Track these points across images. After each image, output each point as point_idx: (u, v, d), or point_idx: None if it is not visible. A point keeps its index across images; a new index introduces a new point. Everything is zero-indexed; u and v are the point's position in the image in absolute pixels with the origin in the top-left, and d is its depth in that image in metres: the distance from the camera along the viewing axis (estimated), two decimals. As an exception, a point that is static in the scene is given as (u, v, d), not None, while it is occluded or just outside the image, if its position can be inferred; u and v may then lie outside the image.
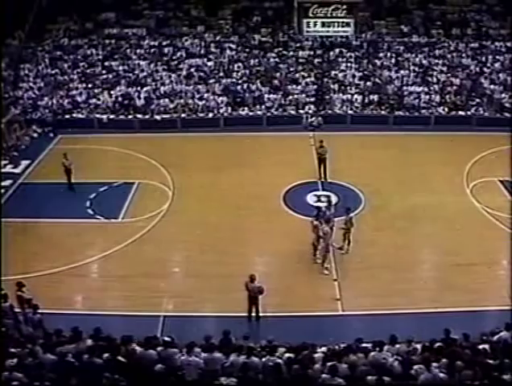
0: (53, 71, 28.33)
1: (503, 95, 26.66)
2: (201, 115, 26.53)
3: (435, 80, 27.91)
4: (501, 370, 9.34)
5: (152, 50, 29.55)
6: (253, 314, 13.91)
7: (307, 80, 28.04)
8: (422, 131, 25.15)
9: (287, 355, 10.25)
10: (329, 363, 9.68)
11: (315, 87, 27.76)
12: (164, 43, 29.90)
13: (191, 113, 26.58)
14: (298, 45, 29.77)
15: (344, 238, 16.33)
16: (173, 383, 9.60)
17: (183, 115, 26.44)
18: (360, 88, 27.67)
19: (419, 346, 10.63)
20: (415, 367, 9.60)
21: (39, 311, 12.30)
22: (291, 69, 28.59)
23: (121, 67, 28.67)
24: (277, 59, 29.03)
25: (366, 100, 27.06)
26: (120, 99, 26.99)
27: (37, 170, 22.24)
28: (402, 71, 28.27)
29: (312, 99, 27.25)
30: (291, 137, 24.89)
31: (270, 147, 23.76)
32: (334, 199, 19.06)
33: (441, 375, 9.46)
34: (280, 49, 29.53)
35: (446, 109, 26.54)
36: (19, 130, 25.13)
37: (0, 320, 11.40)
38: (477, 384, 9.18)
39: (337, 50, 29.49)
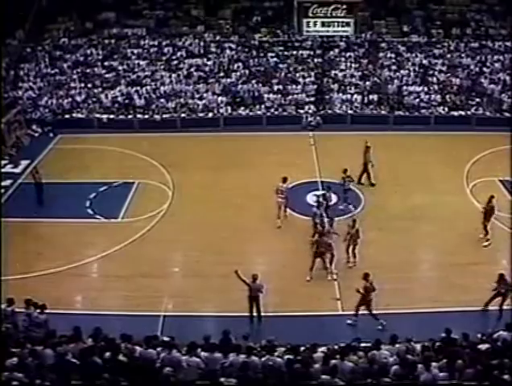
0: (53, 71, 28.32)
1: (503, 95, 26.67)
2: (201, 115, 26.54)
3: (435, 79, 27.90)
4: (502, 370, 9.34)
5: (152, 50, 29.55)
6: (255, 314, 13.92)
7: (307, 79, 28.04)
8: (422, 131, 25.12)
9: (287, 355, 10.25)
10: (329, 364, 9.68)
11: (315, 87, 27.76)
12: (164, 43, 29.88)
13: (191, 113, 26.60)
14: (298, 45, 29.76)
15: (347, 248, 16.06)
16: (173, 384, 9.59)
17: (183, 115, 26.45)
18: (360, 87, 27.68)
19: (418, 346, 10.64)
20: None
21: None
22: (291, 69, 28.59)
23: (120, 67, 28.67)
24: (276, 59, 28.99)
25: (366, 100, 27.07)
26: (120, 99, 27.00)
27: (37, 170, 22.21)
28: (402, 71, 28.27)
29: (312, 99, 27.26)
30: (290, 137, 24.90)
31: (269, 147, 23.74)
32: (334, 198, 19.04)
33: (441, 374, 9.47)
34: (281, 48, 29.52)
35: (446, 109, 26.56)
36: (19, 130, 25.13)
37: (0, 320, 11.40)
38: (477, 384, 9.17)
39: (337, 50, 29.48)
